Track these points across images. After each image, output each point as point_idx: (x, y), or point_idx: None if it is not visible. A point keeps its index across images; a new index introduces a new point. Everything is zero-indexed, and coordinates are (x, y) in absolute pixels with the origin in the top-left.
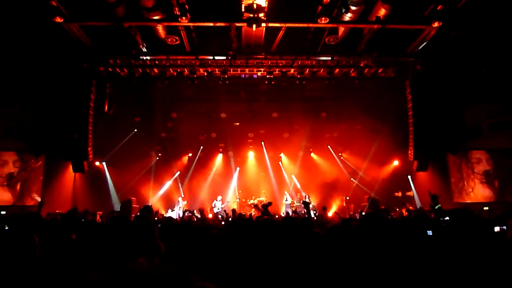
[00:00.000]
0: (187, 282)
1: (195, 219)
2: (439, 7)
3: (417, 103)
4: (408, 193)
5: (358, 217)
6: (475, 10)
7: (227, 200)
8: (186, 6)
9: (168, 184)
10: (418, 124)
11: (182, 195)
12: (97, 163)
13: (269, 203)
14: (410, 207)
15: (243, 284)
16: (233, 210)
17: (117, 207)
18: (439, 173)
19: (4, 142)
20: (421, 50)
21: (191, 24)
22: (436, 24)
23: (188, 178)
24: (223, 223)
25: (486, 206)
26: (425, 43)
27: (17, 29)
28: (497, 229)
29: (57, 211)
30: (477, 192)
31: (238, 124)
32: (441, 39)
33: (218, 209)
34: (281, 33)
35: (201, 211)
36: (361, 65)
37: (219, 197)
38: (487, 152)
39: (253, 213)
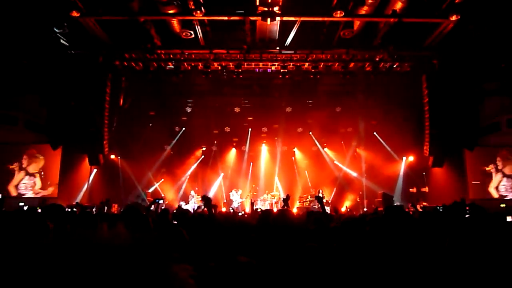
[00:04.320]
0: (157, 252)
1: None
2: (457, 0)
3: (433, 98)
4: (423, 189)
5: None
6: (493, 3)
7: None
8: (201, 0)
9: (184, 178)
10: (434, 119)
11: (196, 188)
12: (112, 156)
13: (288, 196)
14: (425, 203)
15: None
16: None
17: (139, 198)
18: (455, 169)
19: (23, 135)
20: (438, 44)
21: (205, 18)
22: (454, 18)
23: (201, 172)
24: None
25: (503, 204)
26: (442, 37)
27: (35, 23)
28: (509, 219)
29: (73, 202)
30: (494, 189)
31: (251, 118)
32: (458, 33)
33: (238, 203)
34: (296, 27)
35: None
36: (377, 59)
37: (237, 191)
38: (505, 148)
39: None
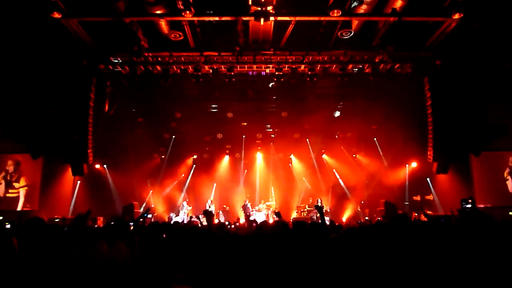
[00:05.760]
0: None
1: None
2: None
3: (436, 100)
4: (428, 197)
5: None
6: (498, 1)
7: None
8: (190, 0)
9: (171, 187)
10: (438, 123)
11: (187, 200)
12: (97, 166)
13: (278, 213)
14: (429, 212)
15: None
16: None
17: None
18: (460, 175)
19: (1, 144)
20: (440, 44)
21: (195, 18)
22: (456, 16)
23: (193, 181)
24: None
25: (511, 211)
26: (445, 36)
27: (14, 25)
28: None
29: (55, 216)
30: (502, 196)
31: (245, 124)
32: (462, 32)
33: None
34: (291, 27)
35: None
36: (376, 60)
37: (212, 202)
38: None
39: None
